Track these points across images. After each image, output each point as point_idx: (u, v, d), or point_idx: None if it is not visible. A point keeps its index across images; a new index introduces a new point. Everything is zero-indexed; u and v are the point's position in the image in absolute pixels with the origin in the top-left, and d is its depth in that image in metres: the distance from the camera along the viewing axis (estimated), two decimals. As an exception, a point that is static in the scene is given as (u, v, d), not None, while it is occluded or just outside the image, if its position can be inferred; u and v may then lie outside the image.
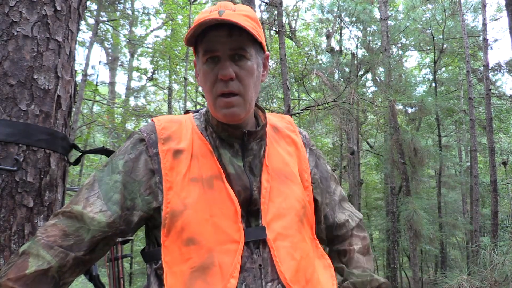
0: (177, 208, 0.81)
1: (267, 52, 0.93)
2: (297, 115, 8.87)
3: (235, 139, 0.90)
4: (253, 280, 0.79)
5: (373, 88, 11.18)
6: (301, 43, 10.14)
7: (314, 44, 10.63)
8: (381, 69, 9.11)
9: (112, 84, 12.15)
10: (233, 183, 0.85)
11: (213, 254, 0.78)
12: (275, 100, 10.46)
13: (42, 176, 1.05)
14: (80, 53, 20.35)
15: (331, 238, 1.04)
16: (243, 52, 0.83)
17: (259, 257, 0.81)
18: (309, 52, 9.70)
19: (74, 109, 1.27)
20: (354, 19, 9.46)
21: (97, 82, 9.46)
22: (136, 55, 12.31)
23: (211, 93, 0.84)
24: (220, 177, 0.84)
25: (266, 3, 6.10)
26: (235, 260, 0.78)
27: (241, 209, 0.83)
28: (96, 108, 11.15)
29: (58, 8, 1.12)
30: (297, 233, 0.87)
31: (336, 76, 9.62)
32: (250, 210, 0.86)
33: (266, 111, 0.99)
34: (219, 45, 0.82)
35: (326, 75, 8.81)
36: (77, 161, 1.21)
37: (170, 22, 10.28)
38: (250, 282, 0.79)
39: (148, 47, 11.49)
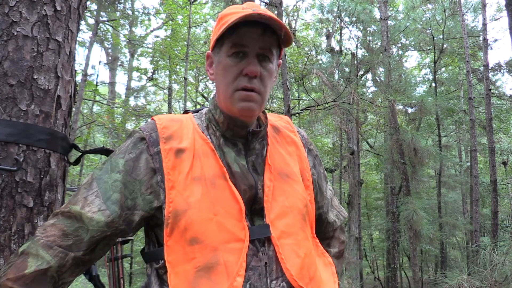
0: (180, 207, 0.80)
1: (280, 60, 0.96)
2: (297, 115, 8.87)
3: (239, 138, 0.90)
4: (258, 278, 0.79)
5: (373, 88, 11.19)
6: (301, 43, 10.14)
7: (314, 44, 10.63)
8: (381, 69, 9.11)
9: (112, 84, 12.14)
10: (238, 182, 0.85)
11: (217, 253, 0.78)
12: (275, 100, 10.46)
13: (42, 176, 1.05)
14: (80, 53, 20.39)
15: (316, 233, 1.06)
16: (269, 54, 0.86)
17: (264, 255, 0.81)
18: (309, 52, 9.70)
19: (74, 109, 1.27)
20: (354, 19, 9.46)
21: (97, 82, 9.46)
22: (136, 55, 12.31)
23: (230, 86, 0.85)
24: (223, 176, 0.84)
25: (266, 3, 6.10)
26: (241, 259, 0.78)
27: (245, 207, 0.83)
28: (96, 108, 11.15)
29: (58, 8, 1.12)
30: (300, 231, 0.87)
31: (336, 76, 9.62)
32: (254, 208, 0.86)
33: (266, 111, 1.00)
34: (250, 41, 0.84)
35: (326, 75, 8.81)
36: (77, 161, 1.21)
37: (170, 22, 10.27)
38: (255, 281, 0.78)
39: (148, 47, 11.49)
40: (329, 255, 0.98)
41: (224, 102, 0.88)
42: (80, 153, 1.21)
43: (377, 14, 9.35)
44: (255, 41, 0.84)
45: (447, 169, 11.56)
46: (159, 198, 0.83)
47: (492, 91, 9.45)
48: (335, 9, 9.71)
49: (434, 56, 9.62)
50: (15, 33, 1.03)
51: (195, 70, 11.16)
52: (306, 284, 0.82)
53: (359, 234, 9.46)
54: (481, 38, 8.02)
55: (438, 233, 8.32)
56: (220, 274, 0.77)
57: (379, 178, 13.70)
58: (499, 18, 10.86)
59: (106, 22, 8.52)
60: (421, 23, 10.01)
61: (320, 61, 10.29)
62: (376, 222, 13.09)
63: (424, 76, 13.30)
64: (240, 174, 0.86)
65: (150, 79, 11.68)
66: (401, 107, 8.92)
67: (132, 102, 12.74)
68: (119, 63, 12.18)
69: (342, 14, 9.68)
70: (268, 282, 0.79)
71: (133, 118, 10.38)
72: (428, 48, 10.56)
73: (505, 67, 10.35)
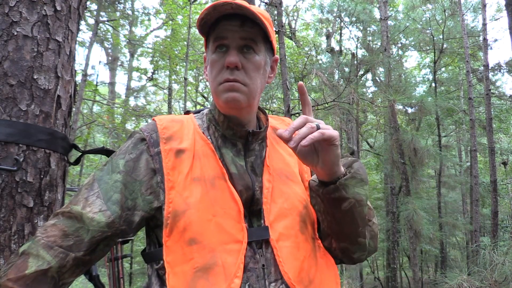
0: (179, 207, 0.80)
1: (276, 56, 0.94)
2: (297, 115, 8.86)
3: (239, 138, 0.90)
4: (257, 280, 0.79)
5: (373, 88, 11.20)
6: (301, 43, 10.14)
7: (314, 44, 10.63)
8: (381, 69, 9.11)
9: (112, 84, 12.14)
10: (235, 183, 0.85)
11: (216, 254, 0.78)
12: (275, 100, 10.47)
13: (42, 176, 1.05)
14: (80, 53, 20.39)
15: None
16: (252, 44, 0.85)
17: (262, 257, 0.81)
18: (309, 52, 9.70)
19: (74, 109, 1.27)
20: (354, 19, 9.46)
21: (97, 82, 9.46)
22: (136, 55, 12.31)
23: (216, 80, 0.85)
24: (222, 177, 0.84)
25: (266, 3, 6.11)
26: (239, 260, 0.78)
27: (243, 208, 0.83)
28: (96, 108, 11.15)
29: (58, 8, 1.12)
30: (299, 233, 0.87)
31: (336, 76, 9.62)
32: (252, 210, 0.86)
33: (266, 111, 0.99)
34: (229, 33, 0.84)
35: (326, 75, 8.81)
36: (77, 161, 1.21)
37: (170, 22, 10.27)
38: (253, 282, 0.78)
39: (148, 47, 11.50)
40: (331, 257, 0.95)
41: (214, 98, 0.89)
42: (80, 153, 1.21)
43: (377, 14, 9.36)
44: (236, 32, 0.83)
45: (447, 169, 11.57)
46: (159, 199, 0.83)
47: (492, 91, 9.45)
48: (335, 9, 9.72)
49: (434, 56, 9.63)
50: (15, 33, 1.03)
51: (195, 70, 11.17)
52: (306, 287, 0.82)
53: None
54: (481, 38, 8.02)
55: (438, 233, 8.32)
56: (218, 275, 0.76)
57: (379, 178, 13.70)
58: (499, 18, 10.89)
59: (106, 22, 8.53)
60: (421, 23, 10.02)
61: (320, 61, 10.29)
62: (376, 222, 13.08)
63: (424, 76, 13.32)
64: (237, 175, 0.86)
65: (150, 79, 11.69)
66: (401, 107, 8.93)
67: (132, 102, 12.76)
68: (119, 63, 12.19)
69: (342, 14, 9.68)
70: (266, 284, 0.79)
71: (133, 118, 10.38)
72: (428, 48, 10.57)
73: (505, 67, 10.36)
